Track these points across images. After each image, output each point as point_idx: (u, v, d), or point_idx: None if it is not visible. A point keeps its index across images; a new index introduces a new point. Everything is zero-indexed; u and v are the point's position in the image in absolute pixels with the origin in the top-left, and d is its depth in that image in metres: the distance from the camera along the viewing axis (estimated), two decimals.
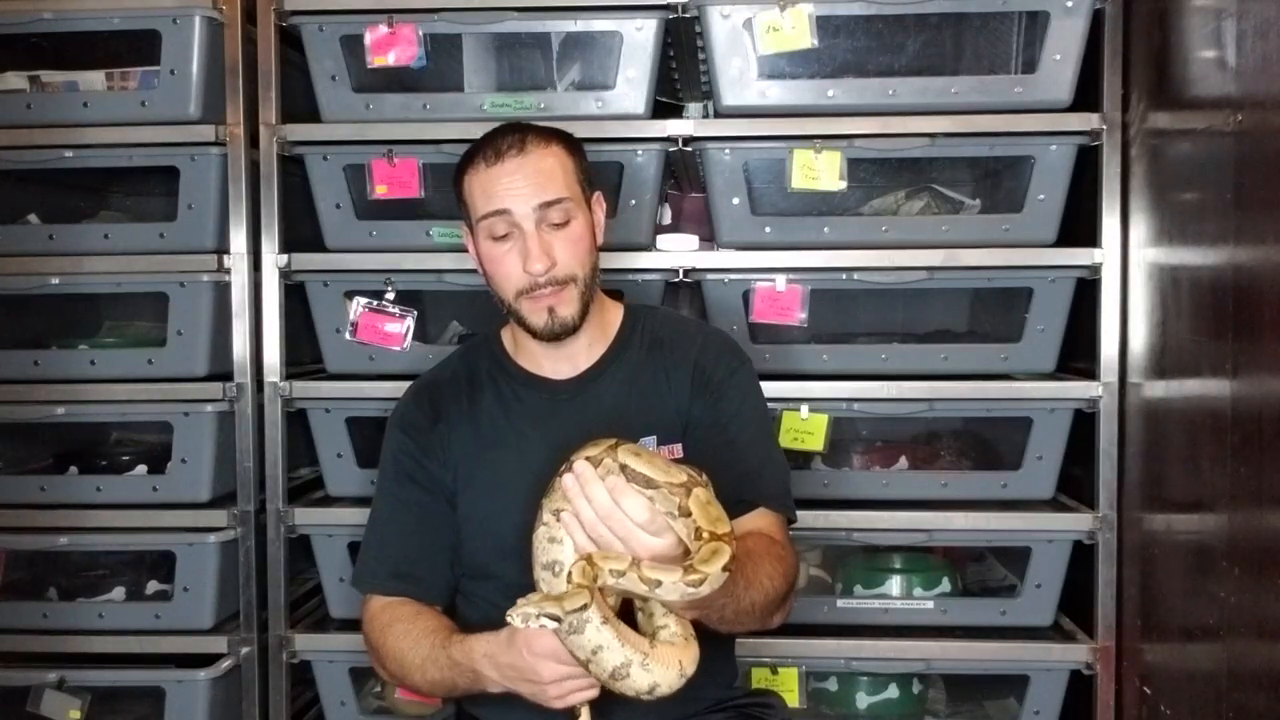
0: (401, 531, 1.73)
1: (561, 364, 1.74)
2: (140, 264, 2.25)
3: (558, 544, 1.45)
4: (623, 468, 1.38)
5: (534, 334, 1.68)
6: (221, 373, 2.25)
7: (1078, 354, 2.22)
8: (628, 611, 1.48)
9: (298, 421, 2.29)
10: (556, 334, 1.67)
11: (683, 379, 1.73)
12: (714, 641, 1.68)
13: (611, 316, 1.78)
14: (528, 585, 1.65)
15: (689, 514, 1.36)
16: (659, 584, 1.32)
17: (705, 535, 1.34)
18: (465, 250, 2.17)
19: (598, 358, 1.75)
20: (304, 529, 2.25)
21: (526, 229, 1.64)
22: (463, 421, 1.74)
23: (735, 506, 1.65)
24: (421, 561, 1.72)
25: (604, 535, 1.35)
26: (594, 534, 1.36)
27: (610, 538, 1.35)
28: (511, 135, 1.67)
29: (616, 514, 1.34)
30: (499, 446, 1.71)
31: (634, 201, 2.20)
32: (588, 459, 1.39)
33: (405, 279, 2.24)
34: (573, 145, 1.72)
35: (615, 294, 1.98)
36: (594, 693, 1.45)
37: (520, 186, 1.63)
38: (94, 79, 2.27)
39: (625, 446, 1.42)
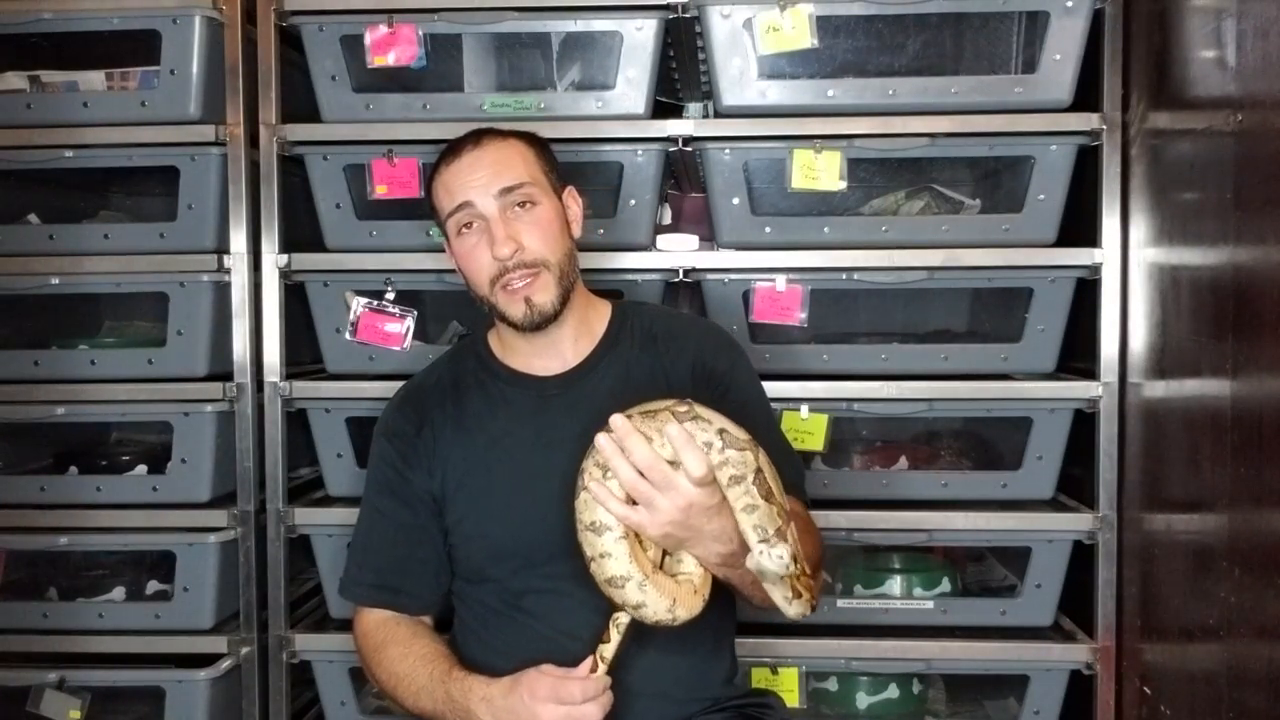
0: (381, 543, 1.73)
1: (551, 360, 1.73)
2: (140, 264, 2.25)
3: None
4: (695, 418, 1.39)
5: (515, 326, 1.67)
6: (221, 373, 2.25)
7: (1078, 354, 2.22)
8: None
9: (298, 421, 2.29)
10: (537, 323, 1.66)
11: (683, 374, 1.72)
12: (714, 639, 1.69)
13: (599, 313, 1.78)
14: (523, 586, 1.66)
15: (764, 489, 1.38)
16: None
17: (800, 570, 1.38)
18: None
19: (587, 354, 1.74)
20: (304, 529, 2.25)
21: (490, 215, 1.65)
22: (448, 426, 1.73)
23: None
24: (402, 574, 1.72)
25: (644, 492, 1.36)
26: (633, 491, 1.37)
27: (650, 493, 1.36)
28: (472, 135, 1.71)
29: (658, 466, 1.35)
30: (489, 448, 1.70)
31: (634, 201, 2.20)
32: (647, 413, 1.41)
33: (405, 279, 2.24)
34: (535, 141, 1.74)
35: (615, 294, 1.98)
36: None
37: (478, 177, 1.66)
38: (94, 79, 2.27)
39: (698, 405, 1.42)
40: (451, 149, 1.71)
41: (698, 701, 1.68)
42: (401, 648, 1.65)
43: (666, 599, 1.42)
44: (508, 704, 1.48)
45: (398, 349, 2.23)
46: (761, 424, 1.74)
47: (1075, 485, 2.25)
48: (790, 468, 1.74)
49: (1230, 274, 1.69)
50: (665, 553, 1.49)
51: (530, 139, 1.74)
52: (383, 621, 1.71)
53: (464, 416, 1.73)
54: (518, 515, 1.65)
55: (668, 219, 2.82)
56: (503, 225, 1.64)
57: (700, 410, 1.40)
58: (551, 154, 1.76)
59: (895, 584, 2.30)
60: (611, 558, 1.41)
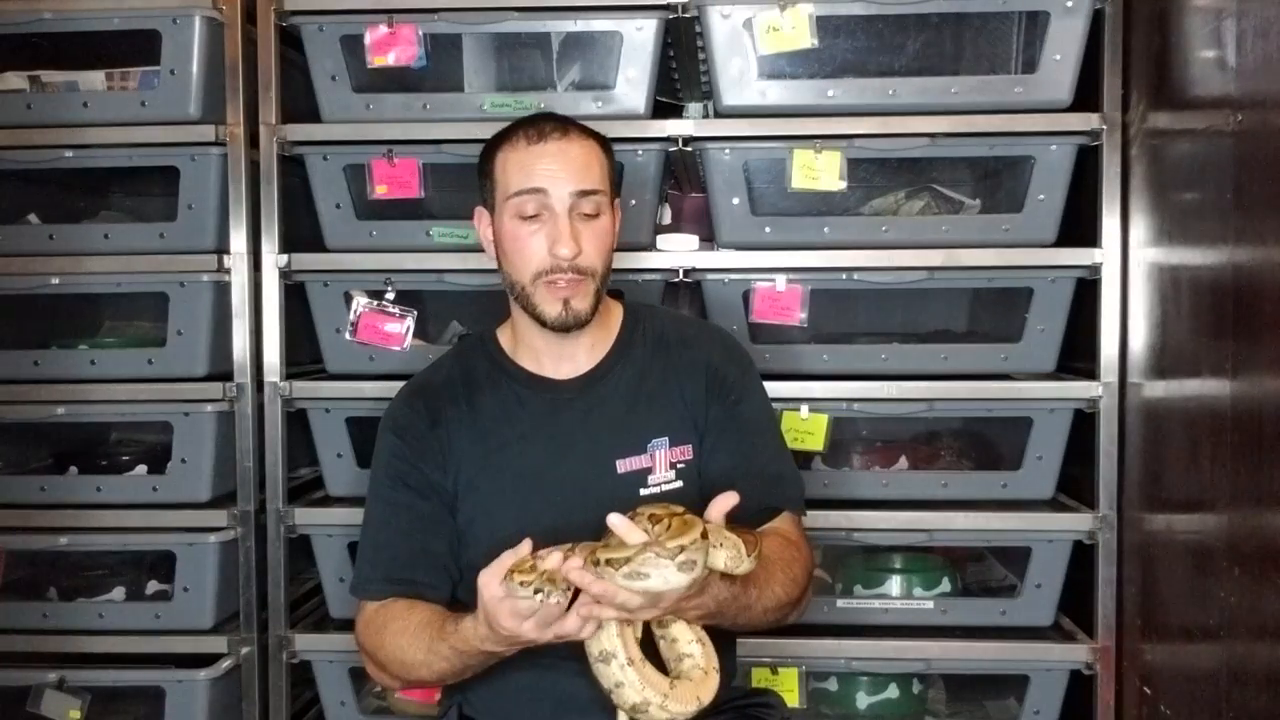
0: (394, 537, 1.70)
1: (563, 364, 1.73)
2: (140, 264, 2.25)
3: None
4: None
5: (544, 323, 1.66)
6: (221, 373, 2.25)
7: (1078, 354, 2.22)
8: (650, 639, 1.50)
9: (298, 421, 2.29)
10: (568, 325, 1.65)
11: (696, 381, 1.72)
12: (715, 642, 1.69)
13: (613, 316, 1.78)
14: None
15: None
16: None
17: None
18: (465, 250, 2.20)
19: (600, 358, 1.74)
20: (304, 529, 2.25)
21: (559, 211, 1.63)
22: (463, 425, 1.72)
23: (761, 512, 1.68)
24: (416, 566, 1.69)
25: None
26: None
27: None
28: (555, 121, 1.68)
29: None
30: (502, 450, 1.70)
31: (634, 201, 2.20)
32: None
33: (405, 279, 2.24)
34: (608, 147, 1.73)
35: (615, 294, 1.98)
36: (574, 625, 1.39)
37: (560, 170, 1.63)
38: (94, 79, 2.27)
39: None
40: (535, 129, 1.66)
41: None
42: (400, 622, 1.61)
43: (691, 703, 1.44)
44: (496, 634, 1.43)
45: (398, 349, 2.23)
46: (767, 437, 1.76)
47: (1075, 485, 2.25)
48: (792, 484, 1.75)
49: (1230, 274, 1.69)
50: (659, 642, 1.51)
51: (605, 145, 1.71)
52: (382, 605, 1.67)
53: (478, 416, 1.72)
54: (529, 519, 1.64)
55: (668, 219, 2.82)
56: (570, 225, 1.62)
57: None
58: (615, 164, 1.75)
59: (895, 584, 2.30)
60: (626, 686, 1.42)
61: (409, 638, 1.59)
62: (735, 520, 1.66)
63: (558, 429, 1.70)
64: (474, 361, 1.78)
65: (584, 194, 1.63)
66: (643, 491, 1.67)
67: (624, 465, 1.68)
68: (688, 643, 1.49)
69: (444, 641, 1.54)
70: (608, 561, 1.34)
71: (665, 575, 1.33)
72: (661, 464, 1.69)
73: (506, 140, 1.68)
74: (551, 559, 1.37)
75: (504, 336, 1.78)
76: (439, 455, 1.71)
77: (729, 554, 1.43)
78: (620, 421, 1.69)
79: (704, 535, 1.37)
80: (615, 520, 1.38)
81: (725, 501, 1.45)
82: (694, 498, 1.69)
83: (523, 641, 1.43)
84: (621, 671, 1.41)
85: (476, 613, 1.46)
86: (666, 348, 1.75)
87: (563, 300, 1.64)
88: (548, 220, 1.63)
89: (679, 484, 1.69)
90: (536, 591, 1.36)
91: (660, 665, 1.49)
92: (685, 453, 1.70)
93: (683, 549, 1.33)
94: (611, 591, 1.34)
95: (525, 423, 1.71)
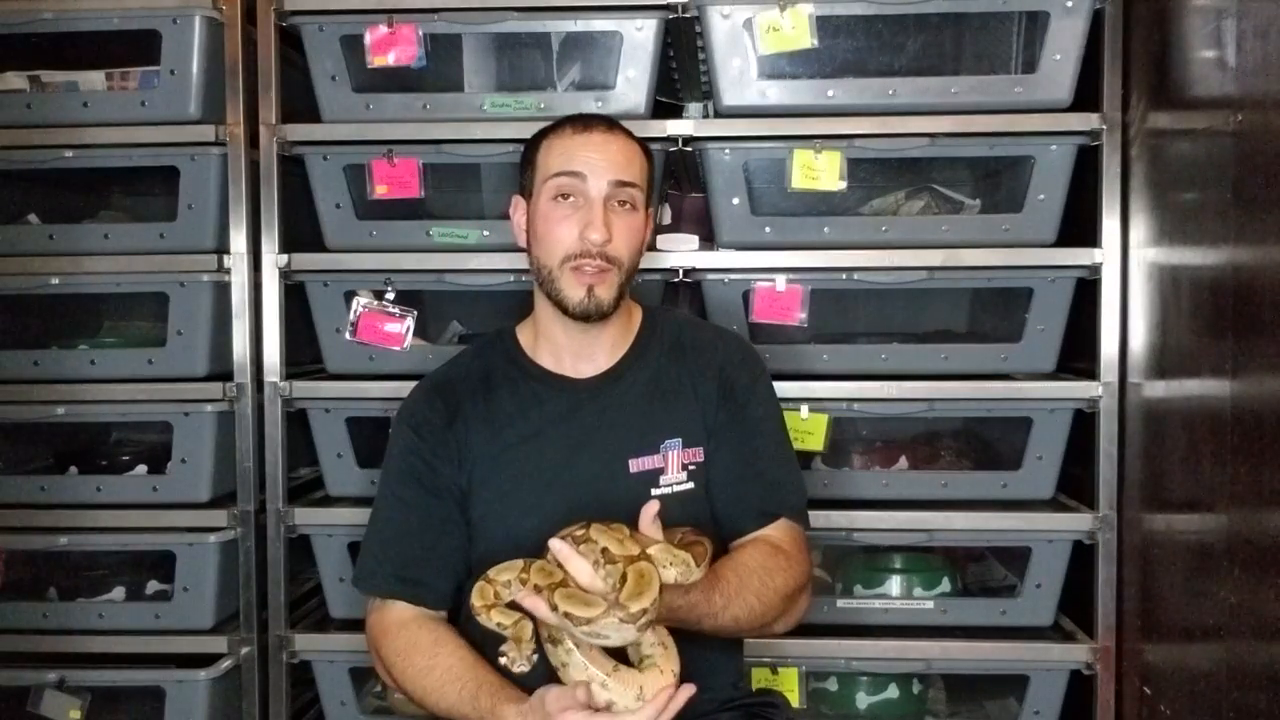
0: (404, 533, 1.71)
1: (583, 363, 1.74)
2: (140, 264, 2.25)
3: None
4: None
5: (566, 309, 1.67)
6: (221, 373, 2.25)
7: (1078, 354, 2.22)
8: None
9: (298, 421, 2.29)
10: (589, 313, 1.66)
11: (709, 386, 1.73)
12: (721, 643, 1.69)
13: (634, 318, 1.79)
14: None
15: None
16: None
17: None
18: (465, 250, 2.20)
19: (619, 358, 1.75)
20: (304, 529, 2.25)
21: (594, 198, 1.66)
22: (480, 420, 1.72)
23: (758, 519, 1.70)
24: (424, 565, 1.69)
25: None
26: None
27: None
28: (603, 119, 1.73)
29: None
30: (517, 447, 1.70)
31: None
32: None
33: (405, 279, 2.24)
34: (651, 157, 1.77)
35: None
36: None
37: (601, 159, 1.66)
38: (94, 79, 2.27)
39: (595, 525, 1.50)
40: (582, 121, 1.71)
41: (706, 701, 1.67)
42: (426, 659, 1.61)
43: (631, 689, 1.45)
44: None
45: (398, 349, 2.23)
46: (772, 443, 1.76)
47: (1075, 485, 2.25)
48: (793, 493, 1.75)
49: (1230, 274, 1.69)
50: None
51: (649, 153, 1.76)
52: (405, 624, 1.67)
53: (495, 413, 1.73)
54: (542, 516, 1.64)
55: (668, 219, 2.82)
56: (603, 212, 1.65)
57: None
58: (654, 174, 1.80)
59: (895, 584, 2.30)
60: (569, 666, 1.45)
61: (435, 682, 1.59)
62: (730, 526, 1.69)
63: (572, 427, 1.70)
64: (493, 358, 1.79)
65: (621, 184, 1.66)
66: (654, 492, 1.67)
67: (637, 465, 1.69)
68: (650, 645, 1.50)
69: (474, 709, 1.54)
70: (567, 614, 1.38)
71: (624, 634, 1.39)
72: (674, 465, 1.70)
73: (554, 130, 1.72)
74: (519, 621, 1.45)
75: (524, 334, 1.79)
76: (454, 452, 1.71)
77: (679, 570, 1.47)
78: (635, 421, 1.70)
79: (661, 591, 1.40)
80: (559, 549, 1.44)
81: (649, 511, 1.51)
82: (704, 500, 1.71)
83: None
84: (569, 654, 1.44)
85: (528, 709, 1.47)
86: (682, 350, 1.76)
87: (587, 287, 1.65)
88: (582, 206, 1.66)
89: (690, 485, 1.70)
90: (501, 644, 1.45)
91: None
92: (697, 454, 1.71)
93: (645, 612, 1.37)
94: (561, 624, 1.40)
95: (541, 420, 1.72)
